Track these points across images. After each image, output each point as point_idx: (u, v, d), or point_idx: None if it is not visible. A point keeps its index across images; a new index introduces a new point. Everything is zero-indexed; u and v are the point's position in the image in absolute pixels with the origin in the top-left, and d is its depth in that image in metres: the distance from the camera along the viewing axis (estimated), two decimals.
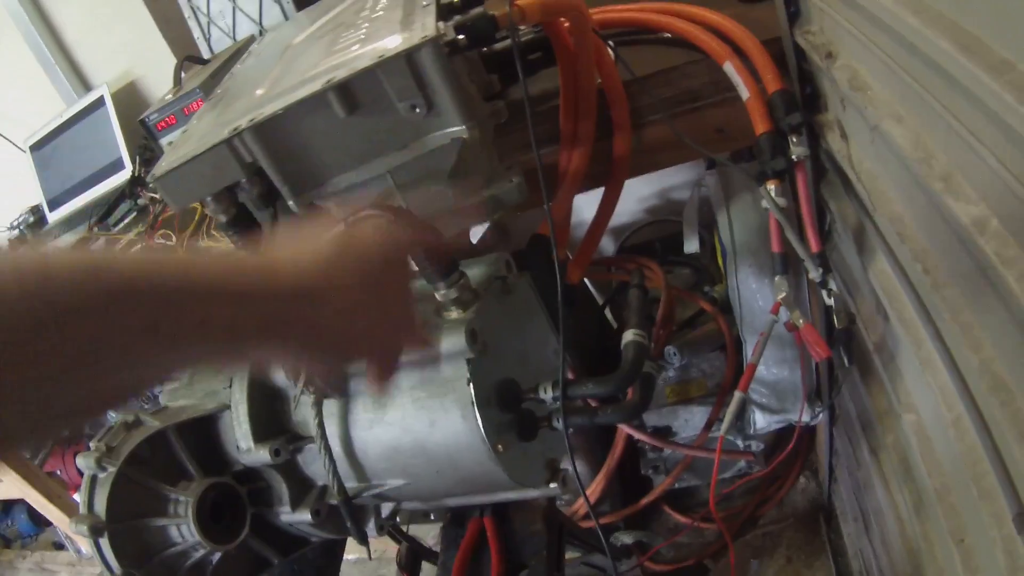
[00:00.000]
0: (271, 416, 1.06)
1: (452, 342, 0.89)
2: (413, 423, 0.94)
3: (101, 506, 1.00)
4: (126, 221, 2.02)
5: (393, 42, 0.86)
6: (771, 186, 1.07)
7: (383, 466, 1.01)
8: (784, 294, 1.17)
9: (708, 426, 1.81)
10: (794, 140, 1.04)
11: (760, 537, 2.08)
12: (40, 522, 3.49)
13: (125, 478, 1.02)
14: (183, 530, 1.04)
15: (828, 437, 1.79)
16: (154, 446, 1.06)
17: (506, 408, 0.95)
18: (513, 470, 0.93)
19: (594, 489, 1.86)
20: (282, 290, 0.61)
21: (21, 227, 2.69)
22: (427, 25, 0.85)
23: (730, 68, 1.08)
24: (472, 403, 0.89)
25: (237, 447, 1.06)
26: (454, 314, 0.92)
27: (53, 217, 2.54)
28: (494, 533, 1.12)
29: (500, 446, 0.91)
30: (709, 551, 2.06)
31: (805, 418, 1.63)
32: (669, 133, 1.19)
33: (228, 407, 1.07)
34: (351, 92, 0.86)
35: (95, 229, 2.02)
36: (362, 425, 0.99)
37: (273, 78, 1.06)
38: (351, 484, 1.04)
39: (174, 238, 1.63)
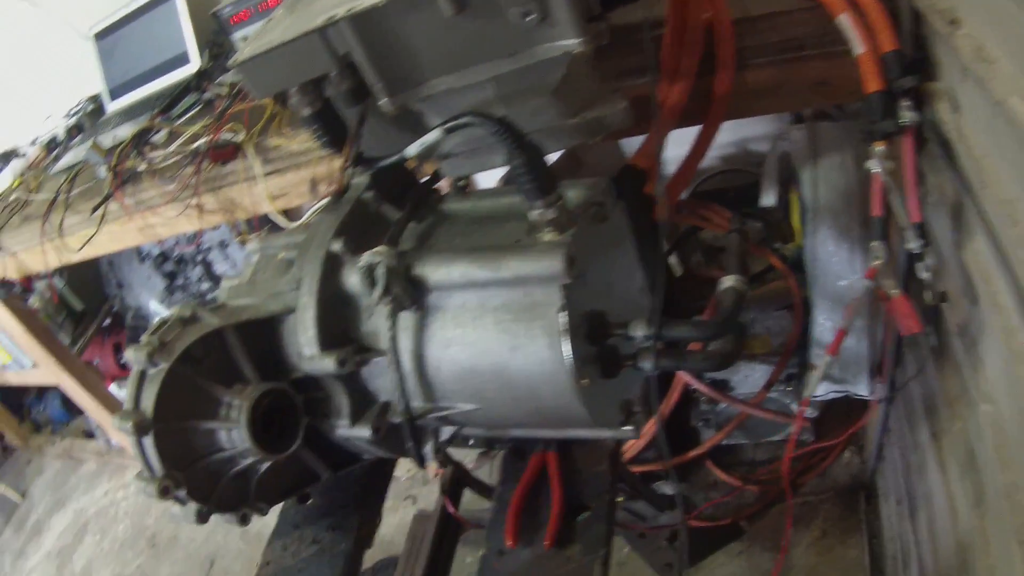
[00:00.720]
0: (338, 323, 1.01)
1: (545, 265, 0.84)
2: (494, 345, 0.89)
3: (148, 403, 0.95)
4: (190, 114, 1.97)
5: None
6: (879, 147, 1.02)
7: (455, 388, 0.97)
8: (880, 260, 1.10)
9: (768, 385, 1.75)
10: (905, 104, 0.99)
11: (798, 506, 2.03)
12: (73, 410, 3.51)
13: (176, 376, 0.96)
14: (233, 435, 1.00)
15: (883, 414, 1.72)
16: (209, 345, 1.00)
17: (592, 342, 0.90)
18: (592, 407, 0.89)
19: (644, 433, 1.81)
20: None
21: (79, 115, 2.65)
22: None
23: (845, 20, 1.03)
24: (562, 331, 0.84)
25: (299, 353, 1.01)
26: (548, 236, 0.88)
27: (112, 107, 2.51)
28: (557, 470, 1.08)
29: (584, 380, 0.85)
30: (746, 512, 2.01)
31: (869, 392, 1.57)
32: (771, 78, 1.15)
33: (293, 310, 1.02)
34: None
35: (158, 119, 1.96)
36: (438, 343, 0.95)
37: None
38: (417, 403, 1.00)
39: (242, 133, 1.57)
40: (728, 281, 0.94)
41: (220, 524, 2.56)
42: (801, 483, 2.07)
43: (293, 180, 1.57)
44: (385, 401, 1.04)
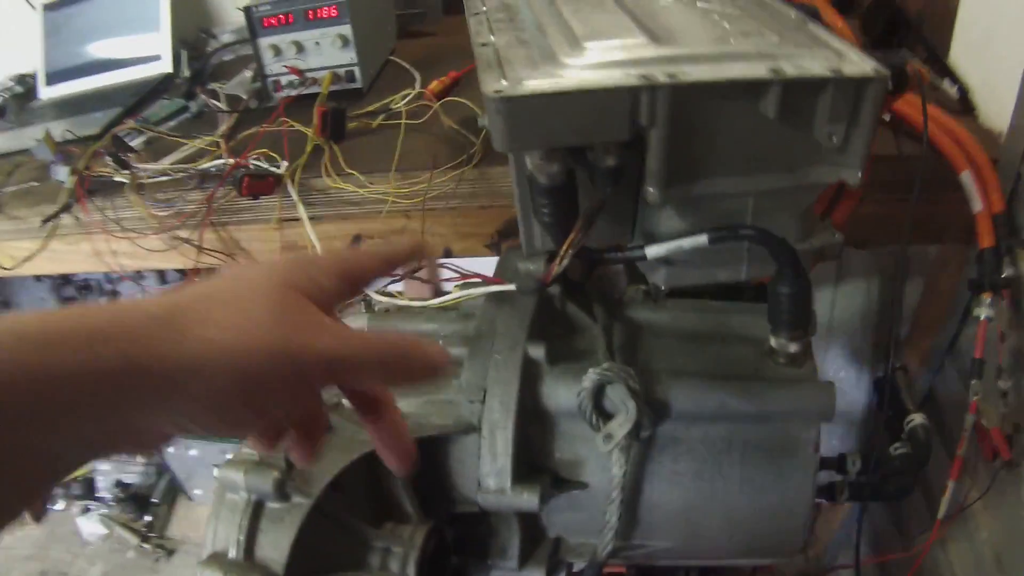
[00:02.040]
0: (526, 448, 0.81)
1: (816, 403, 0.82)
2: (733, 483, 0.84)
3: (278, 554, 0.71)
4: (172, 123, 1.67)
5: (835, 61, 0.75)
6: (987, 297, 1.09)
7: (663, 525, 0.87)
8: (979, 396, 1.11)
9: None
10: (1007, 261, 1.09)
11: None
12: None
13: (320, 515, 0.72)
14: None
15: None
16: (358, 471, 0.77)
17: None
18: None
19: None
20: None
21: (3, 95, 2.27)
22: (861, 58, 0.75)
23: (967, 177, 1.09)
24: (815, 469, 0.83)
25: (477, 483, 0.80)
26: (786, 369, 0.86)
27: (47, 93, 2.16)
28: None
29: None
30: None
31: None
32: (880, 212, 1.21)
33: (474, 428, 0.79)
34: (791, 93, 0.73)
35: (133, 122, 1.65)
36: (664, 478, 0.83)
37: (630, 23, 0.81)
38: None
39: (282, 166, 1.30)
40: (919, 419, 1.00)
41: None
42: None
43: (332, 232, 1.32)
44: (556, 537, 0.89)
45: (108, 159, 1.50)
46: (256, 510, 0.72)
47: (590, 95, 0.69)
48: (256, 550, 0.71)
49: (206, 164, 1.38)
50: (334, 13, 1.50)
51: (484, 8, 0.96)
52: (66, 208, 1.52)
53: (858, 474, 0.94)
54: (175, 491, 2.51)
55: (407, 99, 1.44)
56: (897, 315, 1.59)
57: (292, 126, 1.37)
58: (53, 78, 2.14)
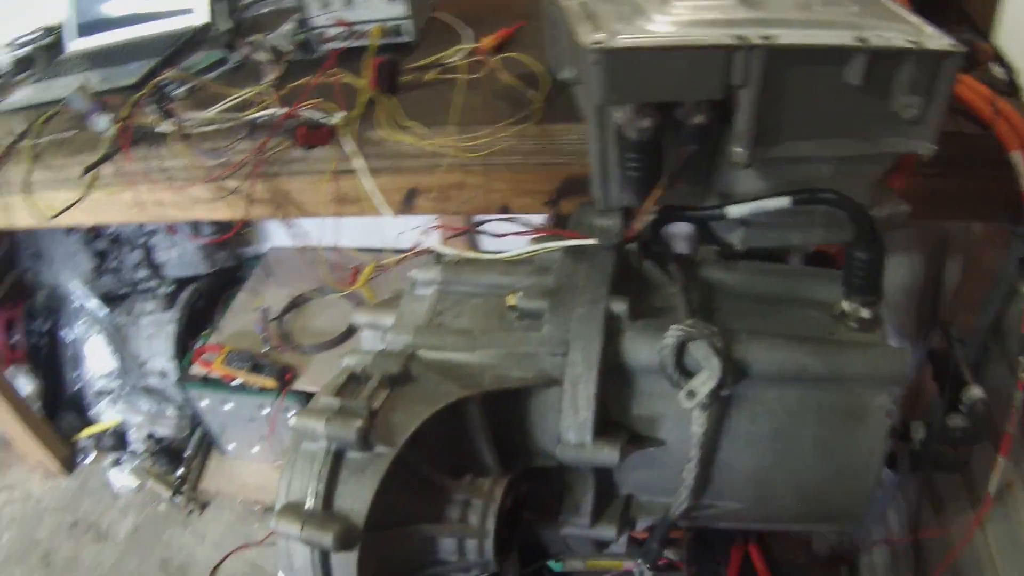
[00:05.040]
0: (604, 404, 0.80)
1: (889, 368, 0.80)
2: (807, 446, 0.82)
3: (359, 504, 0.69)
4: (214, 74, 1.65)
5: (914, 35, 0.77)
6: None
7: (737, 487, 0.86)
8: None
9: None
10: None
11: None
12: None
13: (401, 466, 0.71)
14: (465, 545, 0.76)
15: None
16: (442, 422, 0.75)
17: None
18: None
19: None
20: None
21: (31, 47, 2.26)
22: (938, 34, 0.78)
23: (1018, 157, 1.05)
24: (886, 436, 0.81)
25: (556, 437, 0.80)
26: (856, 334, 0.85)
27: (76, 45, 2.14)
28: (763, 562, 1.04)
29: None
30: None
31: None
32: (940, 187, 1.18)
33: (555, 381, 0.78)
34: (875, 63, 0.75)
35: (175, 70, 1.64)
36: (741, 439, 0.82)
37: None
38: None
39: (336, 116, 1.28)
40: (978, 393, 0.95)
41: (132, 550, 2.23)
42: None
43: (387, 185, 1.30)
44: (628, 495, 0.89)
45: (151, 108, 1.50)
46: (336, 460, 0.71)
47: (688, 52, 0.70)
48: (335, 500, 0.70)
49: (255, 114, 1.37)
50: None
51: None
52: (107, 157, 1.51)
53: (921, 443, 0.92)
54: (208, 445, 2.53)
55: (460, 54, 1.42)
56: (941, 290, 1.59)
57: (343, 78, 1.35)
58: (81, 30, 2.12)
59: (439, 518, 0.75)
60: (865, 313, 0.85)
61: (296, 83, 1.42)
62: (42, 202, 1.63)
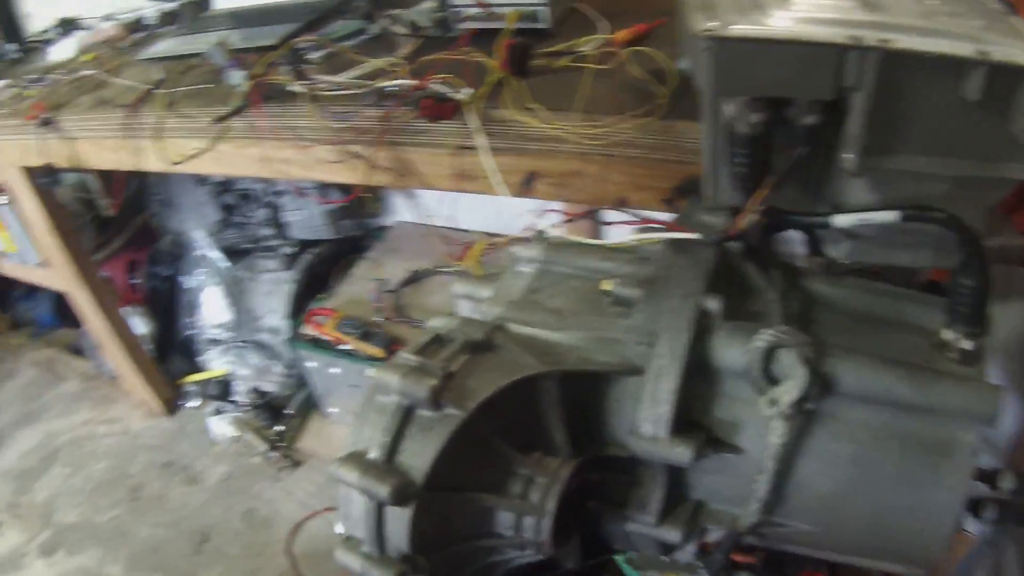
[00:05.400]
0: (685, 400, 0.81)
1: (981, 404, 0.78)
2: (887, 473, 0.80)
3: (421, 462, 0.72)
4: (351, 43, 1.72)
5: None
6: None
7: (809, 506, 0.84)
8: None
9: None
10: None
11: None
12: (63, 318, 3.22)
13: (469, 431, 0.73)
14: (523, 522, 0.78)
15: None
16: (516, 394, 0.77)
17: None
18: None
19: None
20: None
21: (177, 2, 2.41)
22: None
23: None
24: (968, 476, 0.79)
25: (631, 428, 0.81)
26: (955, 366, 0.83)
27: (222, 4, 2.29)
28: None
29: None
30: None
31: None
32: None
33: (638, 371, 0.80)
34: (996, 79, 0.73)
35: (314, 35, 1.72)
36: (820, 456, 0.81)
37: None
38: (750, 516, 0.86)
39: (464, 91, 1.32)
40: None
41: (220, 496, 2.33)
42: None
43: (507, 165, 1.34)
44: (698, 501, 0.89)
45: (285, 68, 1.57)
46: (406, 415, 0.74)
47: (800, 46, 0.71)
48: (398, 455, 0.73)
49: (385, 83, 1.42)
50: None
51: None
52: (238, 111, 1.59)
53: (1012, 493, 0.88)
54: (311, 405, 2.61)
55: (593, 44, 1.44)
56: None
57: (475, 56, 1.39)
58: None
59: (500, 490, 0.78)
60: (967, 345, 0.83)
61: (429, 57, 1.47)
62: (172, 148, 1.74)
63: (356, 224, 2.76)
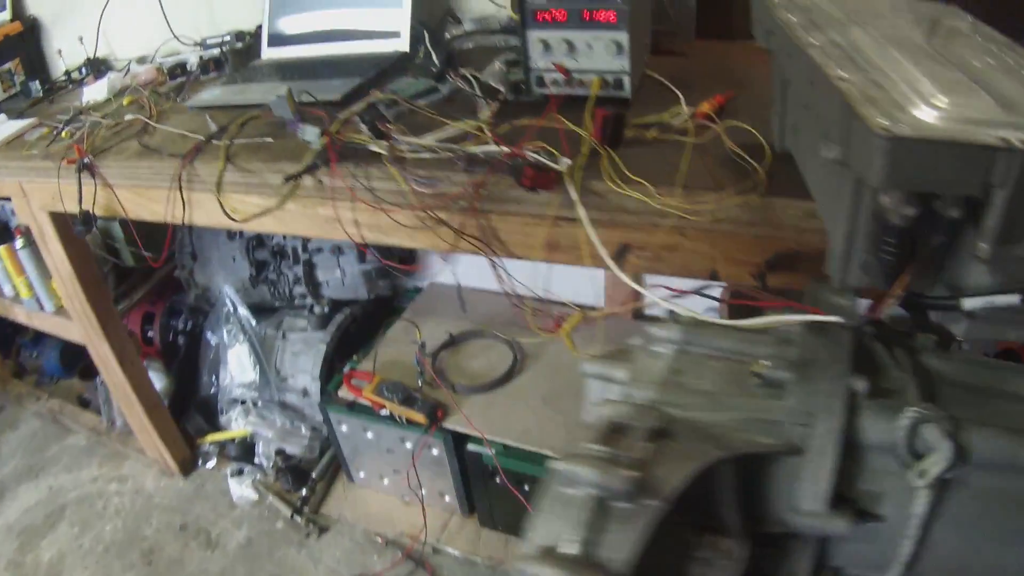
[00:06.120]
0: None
1: None
2: (1005, 541, 0.86)
3: (623, 555, 0.74)
4: (424, 101, 1.80)
5: None
6: None
7: (938, 567, 0.90)
8: None
9: None
10: None
11: None
12: (71, 367, 3.28)
13: (664, 520, 0.77)
14: None
15: None
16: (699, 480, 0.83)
17: None
18: None
19: None
20: None
21: (222, 47, 2.51)
22: None
23: None
24: None
25: (789, 504, 0.89)
26: None
27: (271, 54, 2.39)
28: None
29: None
30: None
31: None
32: None
33: (797, 450, 0.88)
34: None
35: (382, 92, 1.80)
36: (950, 523, 0.87)
37: (969, 82, 0.90)
38: None
39: (562, 161, 1.40)
40: None
41: (241, 561, 2.36)
42: None
43: (601, 237, 1.39)
44: (836, 567, 0.96)
45: (363, 126, 1.64)
46: (601, 508, 0.77)
47: (964, 147, 0.77)
48: (598, 549, 0.75)
49: (476, 148, 1.50)
50: (612, 19, 1.60)
51: (817, 43, 1.06)
52: (313, 168, 1.65)
53: None
54: (336, 469, 2.67)
55: (680, 116, 1.54)
56: None
57: (563, 124, 1.48)
58: (278, 40, 2.35)
59: (681, 574, 0.84)
60: None
61: (514, 123, 1.56)
62: (228, 203, 1.80)
63: (389, 285, 2.82)
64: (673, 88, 1.69)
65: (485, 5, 2.31)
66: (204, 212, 1.88)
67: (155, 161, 1.89)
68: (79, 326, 2.56)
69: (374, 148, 1.59)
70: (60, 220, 2.29)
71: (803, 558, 0.92)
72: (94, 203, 2.01)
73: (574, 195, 1.38)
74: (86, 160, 1.96)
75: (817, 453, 0.87)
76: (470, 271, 2.84)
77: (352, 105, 1.76)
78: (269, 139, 1.81)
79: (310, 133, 1.67)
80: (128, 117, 2.14)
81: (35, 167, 2.10)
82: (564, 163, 1.40)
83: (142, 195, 1.97)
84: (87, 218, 2.03)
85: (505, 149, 1.46)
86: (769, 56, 1.28)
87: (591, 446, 0.82)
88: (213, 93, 2.18)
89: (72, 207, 2.05)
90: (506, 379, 2.38)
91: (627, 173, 1.37)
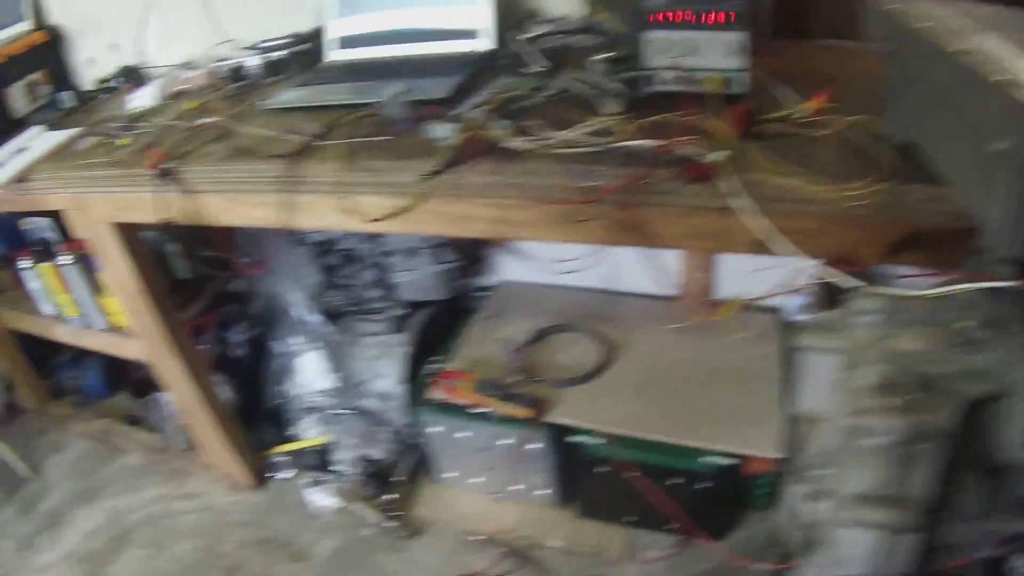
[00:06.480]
0: None
1: None
2: None
3: (926, 490, 0.97)
4: (530, 101, 1.99)
5: None
6: None
7: None
8: None
9: None
10: None
11: None
12: (115, 386, 3.41)
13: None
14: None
15: None
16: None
17: None
18: None
19: None
20: None
21: (287, 51, 2.64)
22: None
23: None
24: None
25: (1012, 442, 1.09)
26: None
27: (338, 55, 2.54)
28: None
29: None
30: None
31: None
32: None
33: (1009, 394, 1.10)
34: None
35: (486, 92, 1.99)
36: None
37: None
38: None
39: (713, 153, 1.59)
40: None
41: (334, 571, 2.62)
42: None
43: (751, 225, 1.60)
44: None
45: (499, 122, 1.82)
46: (900, 453, 0.98)
47: None
48: (906, 488, 0.96)
49: (629, 142, 1.70)
50: (730, 19, 1.81)
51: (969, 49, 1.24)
52: (450, 165, 1.79)
53: None
54: (420, 471, 2.82)
55: (800, 111, 1.77)
56: None
57: (700, 120, 1.70)
58: (348, 42, 2.52)
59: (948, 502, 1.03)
60: None
61: (647, 119, 1.77)
62: (348, 204, 1.94)
63: (463, 285, 2.97)
64: (774, 83, 1.92)
65: (558, 5, 2.54)
66: (312, 215, 2.00)
67: (250, 163, 1.99)
68: (141, 343, 2.66)
69: (513, 144, 1.77)
70: (126, 232, 2.37)
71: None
72: (175, 211, 2.11)
73: (737, 185, 1.57)
74: (169, 166, 2.04)
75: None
76: (537, 268, 3.03)
77: (464, 103, 1.96)
78: (391, 137, 1.94)
79: (440, 130, 1.83)
80: (201, 120, 2.24)
81: (98, 176, 2.17)
82: (715, 155, 1.61)
83: (234, 200, 2.06)
84: (167, 227, 2.16)
85: (656, 143, 1.67)
86: (884, 58, 1.50)
87: (877, 399, 1.02)
88: (290, 95, 2.29)
89: (144, 217, 2.14)
90: (599, 371, 2.60)
91: (779, 164, 1.58)
